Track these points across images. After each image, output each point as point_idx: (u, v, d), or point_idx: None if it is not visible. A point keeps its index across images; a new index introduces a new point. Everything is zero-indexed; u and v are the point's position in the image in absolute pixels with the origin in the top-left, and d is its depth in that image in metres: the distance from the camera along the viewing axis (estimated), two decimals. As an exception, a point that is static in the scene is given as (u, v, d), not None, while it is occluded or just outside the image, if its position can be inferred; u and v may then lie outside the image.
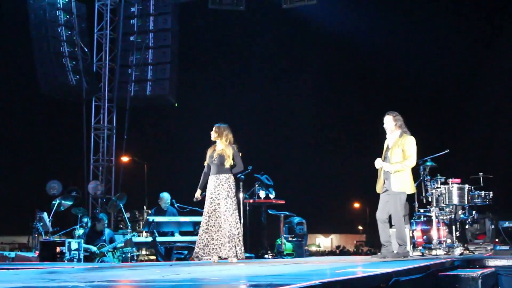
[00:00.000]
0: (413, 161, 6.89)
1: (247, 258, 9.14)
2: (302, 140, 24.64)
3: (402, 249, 6.95)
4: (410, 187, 6.98)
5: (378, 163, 6.98)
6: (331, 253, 30.46)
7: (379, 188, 7.07)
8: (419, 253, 8.28)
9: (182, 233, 9.83)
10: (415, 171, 8.04)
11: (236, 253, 6.73)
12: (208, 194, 6.94)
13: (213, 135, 7.14)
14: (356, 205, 38.48)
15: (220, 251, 6.71)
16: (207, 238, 6.77)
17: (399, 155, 6.88)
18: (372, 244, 26.74)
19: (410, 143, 6.91)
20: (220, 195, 6.87)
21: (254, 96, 21.53)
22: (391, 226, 7.17)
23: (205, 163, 7.14)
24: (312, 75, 22.29)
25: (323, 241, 42.51)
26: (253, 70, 21.19)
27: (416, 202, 8.71)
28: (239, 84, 21.24)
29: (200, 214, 7.62)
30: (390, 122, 7.03)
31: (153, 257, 10.75)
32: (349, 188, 30.26)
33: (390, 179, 6.87)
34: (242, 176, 9.60)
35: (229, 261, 6.72)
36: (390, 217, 7.07)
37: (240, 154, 7.16)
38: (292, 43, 22.30)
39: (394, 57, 19.86)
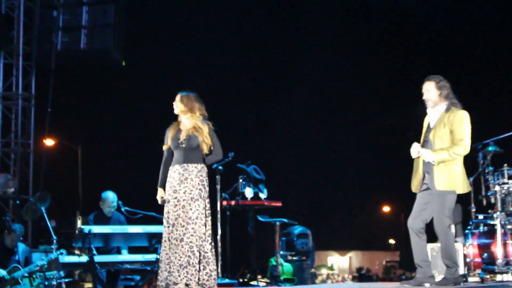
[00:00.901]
0: (465, 147, 6.85)
1: (227, 285, 9.16)
2: (308, 118, 24.62)
3: (452, 273, 6.93)
4: (461, 185, 6.94)
5: (415, 149, 6.95)
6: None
7: (415, 186, 7.07)
8: (477, 279, 8.31)
9: (133, 250, 9.78)
10: (472, 160, 8.00)
11: (198, 279, 6.64)
12: (170, 192, 6.90)
13: (179, 107, 7.05)
14: (386, 209, 38.70)
15: (179, 275, 6.63)
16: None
17: (446, 138, 6.86)
18: (408, 266, 26.93)
19: (461, 121, 6.88)
20: (188, 195, 6.83)
21: (239, 53, 21.40)
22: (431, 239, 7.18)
23: (165, 148, 7.09)
24: (329, 36, 22.34)
25: (338, 262, 42.87)
26: (238, 12, 20.94)
27: (473, 205, 8.79)
28: (217, 33, 21.01)
29: (159, 222, 7.59)
30: (432, 91, 6.99)
31: (90, 285, 10.73)
32: (375, 186, 30.36)
33: (433, 173, 6.87)
34: (220, 167, 9.57)
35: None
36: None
37: None
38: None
39: (442, 17, 19.99)
